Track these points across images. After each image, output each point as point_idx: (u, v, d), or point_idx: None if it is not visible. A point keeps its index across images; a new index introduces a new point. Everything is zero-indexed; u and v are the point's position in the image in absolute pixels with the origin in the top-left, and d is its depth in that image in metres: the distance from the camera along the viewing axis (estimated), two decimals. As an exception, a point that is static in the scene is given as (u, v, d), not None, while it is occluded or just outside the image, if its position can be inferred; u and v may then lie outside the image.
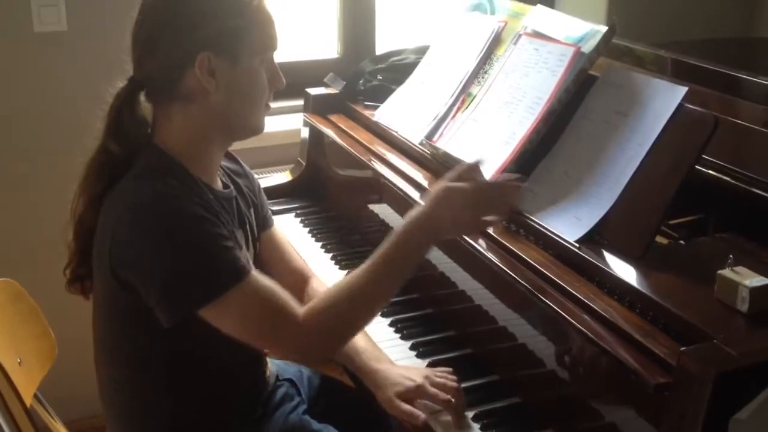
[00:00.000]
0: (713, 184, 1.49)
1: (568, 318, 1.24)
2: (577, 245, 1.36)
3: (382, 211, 1.91)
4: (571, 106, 1.57)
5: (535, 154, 1.57)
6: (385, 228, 1.87)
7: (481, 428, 1.35)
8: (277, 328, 1.31)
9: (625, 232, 1.34)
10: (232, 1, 1.34)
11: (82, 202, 1.40)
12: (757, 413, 1.01)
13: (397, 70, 2.16)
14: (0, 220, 2.34)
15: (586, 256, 1.34)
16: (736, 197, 1.46)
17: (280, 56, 1.42)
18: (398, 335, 1.62)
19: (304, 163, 2.26)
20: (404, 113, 1.95)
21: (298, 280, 1.65)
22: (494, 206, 1.37)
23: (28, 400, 1.48)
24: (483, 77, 1.80)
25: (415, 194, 1.70)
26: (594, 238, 1.37)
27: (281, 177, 2.28)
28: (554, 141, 1.55)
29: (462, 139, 1.72)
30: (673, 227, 1.48)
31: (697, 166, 1.36)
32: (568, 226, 1.40)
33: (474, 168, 1.38)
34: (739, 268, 1.18)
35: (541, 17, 1.75)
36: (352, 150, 1.97)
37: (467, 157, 1.58)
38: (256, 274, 1.31)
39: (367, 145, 1.97)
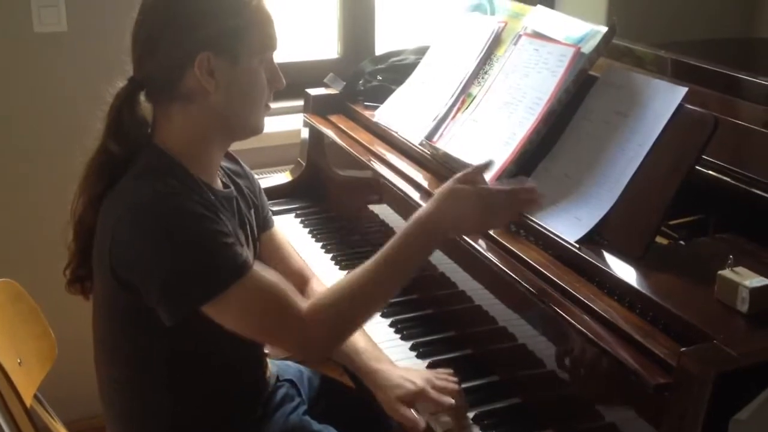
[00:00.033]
0: (713, 185, 1.49)
1: (568, 318, 1.25)
2: (577, 246, 1.36)
3: (382, 211, 1.91)
4: (571, 107, 1.57)
5: (535, 154, 1.57)
6: (385, 228, 1.87)
7: (481, 429, 1.35)
8: (280, 323, 1.31)
9: (626, 233, 1.34)
10: (232, 1, 1.34)
11: (82, 203, 1.40)
12: (757, 413, 1.01)
13: (397, 71, 2.16)
14: (0, 220, 2.34)
15: (586, 257, 1.34)
16: (736, 198, 1.46)
17: (280, 56, 1.42)
18: (398, 336, 1.62)
19: (304, 164, 2.26)
20: (404, 114, 1.95)
21: (298, 281, 1.64)
22: (502, 211, 1.37)
23: (28, 401, 1.48)
24: (483, 78, 1.80)
25: (415, 195, 1.70)
26: (594, 239, 1.37)
27: (281, 177, 2.28)
28: (554, 141, 1.55)
29: (462, 139, 1.72)
30: (673, 227, 1.48)
31: (697, 167, 1.36)
32: (568, 226, 1.40)
33: (482, 170, 1.38)
34: (739, 269, 1.18)
35: (541, 18, 1.75)
36: (352, 150, 1.97)
37: (468, 158, 1.58)
38: (258, 270, 1.31)
39: (367, 145, 1.97)
